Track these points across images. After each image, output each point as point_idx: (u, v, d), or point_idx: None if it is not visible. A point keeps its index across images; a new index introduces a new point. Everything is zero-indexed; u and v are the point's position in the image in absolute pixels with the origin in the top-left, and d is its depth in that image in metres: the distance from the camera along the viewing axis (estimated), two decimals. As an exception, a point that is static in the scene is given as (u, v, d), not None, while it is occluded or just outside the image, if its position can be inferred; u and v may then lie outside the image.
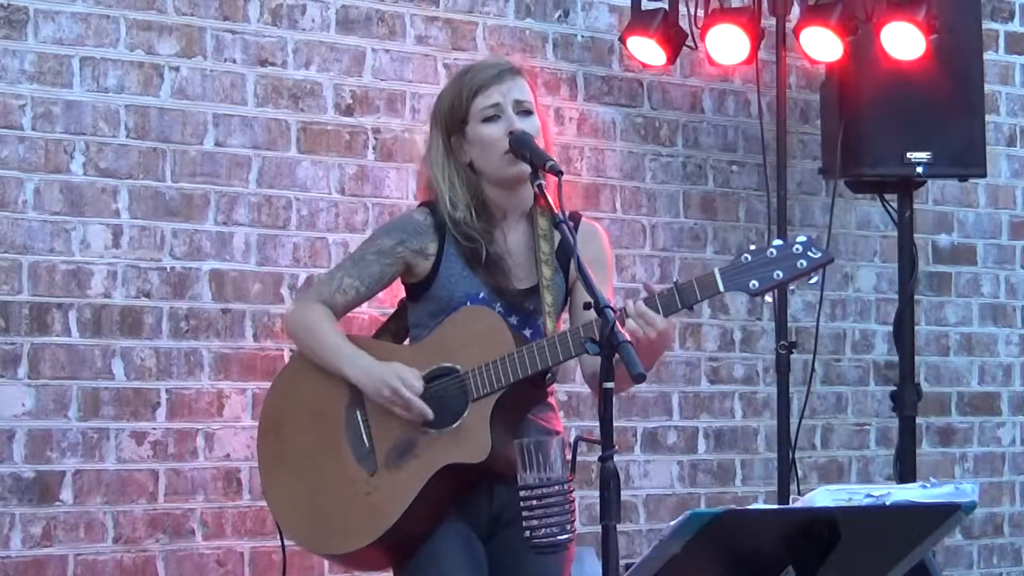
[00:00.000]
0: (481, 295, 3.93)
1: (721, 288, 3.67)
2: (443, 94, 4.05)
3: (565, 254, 3.92)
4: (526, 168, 3.83)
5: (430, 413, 3.83)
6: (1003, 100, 6.59)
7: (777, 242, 3.69)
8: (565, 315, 4.04)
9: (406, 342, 4.07)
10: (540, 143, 3.89)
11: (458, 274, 3.94)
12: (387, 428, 3.89)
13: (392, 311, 4.17)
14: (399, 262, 3.97)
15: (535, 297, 3.94)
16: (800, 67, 6.08)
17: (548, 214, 3.84)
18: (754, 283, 3.65)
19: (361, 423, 3.93)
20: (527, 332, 3.93)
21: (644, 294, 3.70)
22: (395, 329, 4.12)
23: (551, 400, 4.02)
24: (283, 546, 4.11)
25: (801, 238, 3.67)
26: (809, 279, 3.68)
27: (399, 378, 3.85)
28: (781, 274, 3.65)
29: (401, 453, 3.87)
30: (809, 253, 3.64)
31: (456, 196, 3.94)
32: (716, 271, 3.67)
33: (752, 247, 3.68)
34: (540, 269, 3.93)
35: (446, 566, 3.86)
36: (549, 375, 3.90)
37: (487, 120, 3.93)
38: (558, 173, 3.73)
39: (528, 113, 3.93)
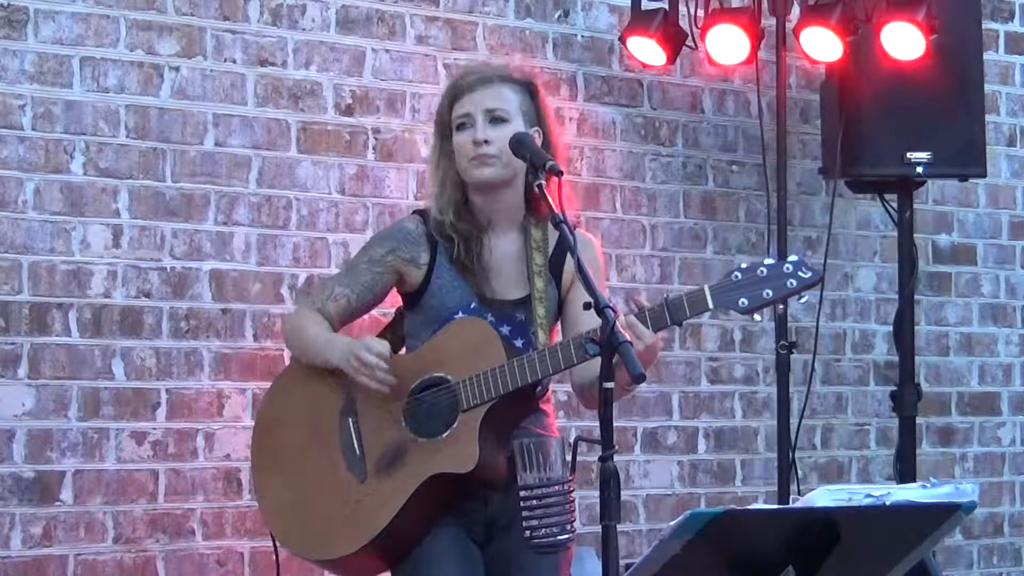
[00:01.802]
0: (472, 305, 3.95)
1: (711, 305, 3.69)
2: (440, 99, 4.12)
3: (558, 264, 3.95)
4: (496, 174, 3.90)
5: (391, 379, 3.85)
6: (1003, 100, 6.59)
7: (768, 260, 3.72)
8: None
9: (402, 351, 4.08)
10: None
11: (449, 284, 3.96)
12: (378, 436, 3.90)
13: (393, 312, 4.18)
14: (390, 271, 4.01)
15: (525, 308, 3.95)
16: (800, 67, 6.08)
17: (549, 214, 3.84)
18: (743, 301, 3.68)
19: (353, 430, 3.94)
20: (518, 343, 3.94)
21: (634, 307, 3.71)
22: (392, 339, 4.12)
23: (546, 406, 4.02)
24: (275, 547, 4.11)
25: (792, 257, 3.71)
26: (800, 298, 3.69)
27: (364, 346, 3.88)
28: (771, 293, 3.67)
29: (391, 461, 3.88)
30: (800, 273, 3.67)
31: (444, 199, 3.99)
32: (706, 288, 3.70)
33: (743, 264, 3.72)
34: (533, 281, 3.94)
35: (438, 569, 3.86)
36: (539, 388, 3.91)
37: (459, 128, 4.00)
38: (558, 173, 3.73)
39: (501, 120, 3.96)
